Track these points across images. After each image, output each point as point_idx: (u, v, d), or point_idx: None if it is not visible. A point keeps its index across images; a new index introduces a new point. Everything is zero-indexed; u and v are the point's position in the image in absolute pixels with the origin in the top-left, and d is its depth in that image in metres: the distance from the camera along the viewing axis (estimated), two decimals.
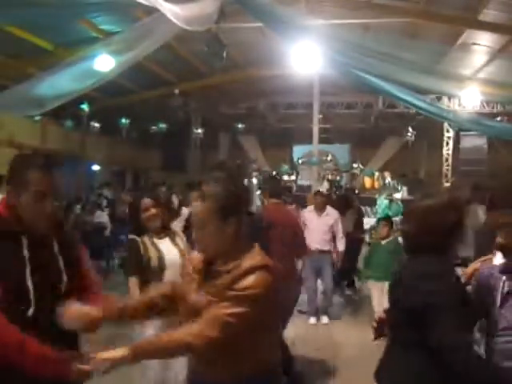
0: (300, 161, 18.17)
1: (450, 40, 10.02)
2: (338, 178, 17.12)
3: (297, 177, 17.36)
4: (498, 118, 14.18)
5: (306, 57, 8.31)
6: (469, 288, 2.24)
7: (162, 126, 18.12)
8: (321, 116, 14.73)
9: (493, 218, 2.07)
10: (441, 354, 1.76)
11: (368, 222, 9.62)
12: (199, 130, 18.53)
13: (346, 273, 8.11)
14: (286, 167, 18.28)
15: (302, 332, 6.06)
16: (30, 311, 1.84)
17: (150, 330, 2.88)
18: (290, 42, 8.33)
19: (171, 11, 5.77)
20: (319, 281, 6.77)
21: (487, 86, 11.51)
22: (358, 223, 8.26)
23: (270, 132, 19.40)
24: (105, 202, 12.38)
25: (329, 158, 17.68)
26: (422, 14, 9.07)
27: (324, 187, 14.18)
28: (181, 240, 3.32)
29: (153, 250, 3.18)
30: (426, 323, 1.80)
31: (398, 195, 14.99)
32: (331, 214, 6.67)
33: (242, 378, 1.93)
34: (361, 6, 9.25)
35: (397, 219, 9.04)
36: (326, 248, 6.53)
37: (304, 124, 16.20)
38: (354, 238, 7.35)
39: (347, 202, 8.58)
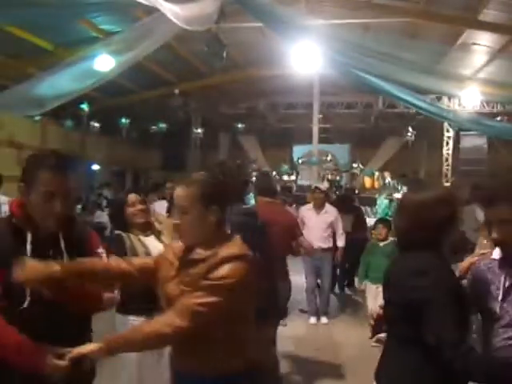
0: (300, 161, 18.13)
1: (449, 40, 10.00)
2: (337, 177, 17.06)
3: (297, 177, 17.33)
4: (498, 118, 14.15)
5: (305, 57, 8.31)
6: (464, 282, 2.20)
7: (162, 125, 18.07)
8: (321, 116, 14.71)
9: (489, 214, 2.03)
10: (439, 351, 1.73)
11: (368, 222, 9.60)
12: (199, 130, 18.49)
13: (346, 272, 8.13)
14: (285, 167, 18.23)
15: (301, 332, 6.08)
16: (25, 303, 1.87)
17: None
18: (290, 42, 8.33)
19: (171, 11, 5.78)
20: (318, 280, 6.77)
21: (487, 86, 11.51)
22: (360, 223, 8.23)
23: (270, 132, 19.36)
24: (105, 202, 12.38)
25: (329, 158, 17.64)
26: (422, 13, 9.05)
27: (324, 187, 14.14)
28: (166, 238, 3.25)
29: (139, 246, 3.13)
30: (421, 319, 1.77)
31: (397, 195, 14.96)
32: (330, 211, 6.64)
33: (220, 370, 1.90)
34: (361, 5, 9.24)
35: None
36: (327, 246, 6.53)
37: (304, 124, 16.17)
38: (355, 237, 7.32)
39: (347, 201, 8.58)
